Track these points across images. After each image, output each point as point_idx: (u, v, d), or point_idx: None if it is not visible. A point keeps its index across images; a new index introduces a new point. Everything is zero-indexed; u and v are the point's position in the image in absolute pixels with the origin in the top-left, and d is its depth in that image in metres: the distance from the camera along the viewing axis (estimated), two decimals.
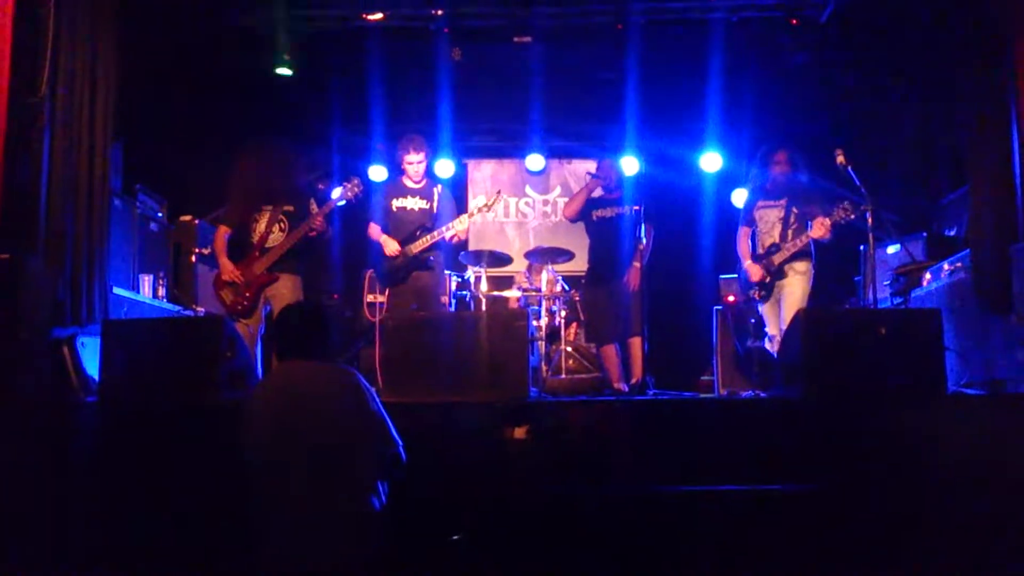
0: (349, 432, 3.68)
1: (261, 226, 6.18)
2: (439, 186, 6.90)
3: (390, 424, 3.82)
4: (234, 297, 6.04)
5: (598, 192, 7.26)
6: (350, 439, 3.67)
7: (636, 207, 6.70)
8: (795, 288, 6.29)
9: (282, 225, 6.19)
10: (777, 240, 6.39)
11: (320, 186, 8.03)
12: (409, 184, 6.79)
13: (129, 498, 4.47)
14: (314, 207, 6.25)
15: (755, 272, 6.41)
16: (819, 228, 6.14)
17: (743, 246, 6.64)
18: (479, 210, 6.90)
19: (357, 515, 3.62)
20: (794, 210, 6.39)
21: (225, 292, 6.08)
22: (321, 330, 3.93)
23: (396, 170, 7.02)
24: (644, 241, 6.62)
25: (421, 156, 6.73)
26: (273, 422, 3.68)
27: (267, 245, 6.14)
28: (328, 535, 3.54)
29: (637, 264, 6.79)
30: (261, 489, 3.66)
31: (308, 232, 6.14)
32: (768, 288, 6.38)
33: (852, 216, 6.04)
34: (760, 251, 6.49)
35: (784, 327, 6.06)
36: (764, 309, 6.49)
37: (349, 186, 6.40)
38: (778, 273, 6.34)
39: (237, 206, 6.32)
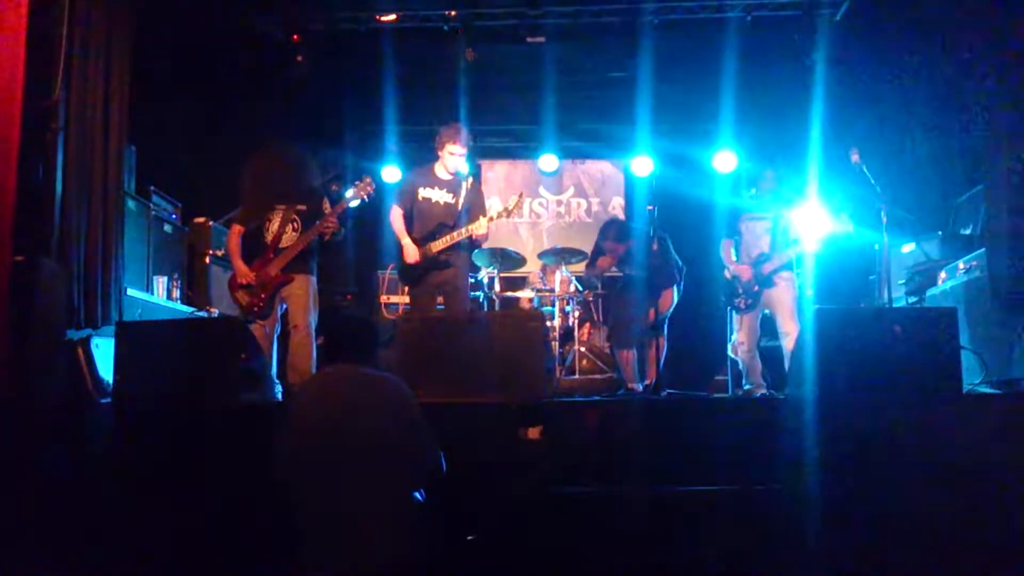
0: (392, 441, 3.65)
1: (274, 226, 6.14)
2: (469, 179, 6.63)
3: (432, 436, 3.82)
4: (250, 299, 6.03)
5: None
6: (392, 448, 3.65)
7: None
8: (784, 294, 6.45)
9: (295, 225, 6.15)
10: (766, 250, 6.52)
11: (334, 187, 8.00)
12: (440, 174, 6.59)
13: (143, 500, 4.46)
14: (327, 206, 6.21)
15: (746, 272, 6.52)
16: (814, 232, 6.47)
17: (728, 255, 6.73)
18: (499, 215, 6.74)
19: (396, 520, 3.61)
20: (780, 222, 6.56)
21: (240, 294, 6.07)
22: (371, 338, 3.97)
23: (431, 157, 6.76)
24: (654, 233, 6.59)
25: (466, 150, 6.55)
26: (315, 425, 3.67)
27: (281, 245, 6.10)
28: (368, 540, 3.53)
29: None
30: (297, 492, 3.64)
31: (322, 233, 6.13)
32: (755, 297, 6.50)
33: (849, 227, 6.32)
34: (747, 259, 6.62)
35: (782, 329, 6.42)
36: (740, 316, 6.59)
37: (361, 185, 6.33)
38: (766, 282, 6.47)
39: (250, 206, 6.30)
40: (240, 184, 6.32)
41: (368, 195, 6.34)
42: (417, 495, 3.72)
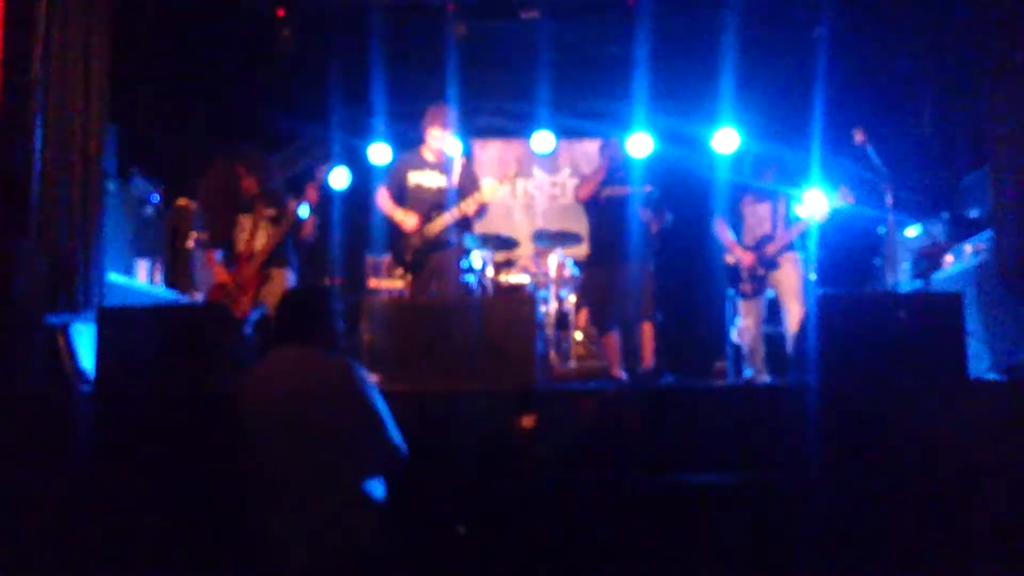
0: (342, 425, 3.52)
1: (245, 234, 6.34)
2: (462, 159, 6.59)
3: (388, 418, 3.64)
4: (232, 304, 6.14)
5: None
6: (343, 432, 3.52)
7: (647, 187, 6.59)
8: (790, 274, 6.40)
9: (268, 230, 6.33)
10: (769, 231, 6.50)
11: (322, 167, 7.89)
12: (428, 157, 6.51)
13: (126, 489, 4.38)
14: (292, 205, 6.33)
15: (749, 258, 6.47)
16: (817, 208, 6.31)
17: (725, 235, 6.67)
18: (501, 182, 6.67)
19: (353, 509, 3.50)
20: (782, 203, 6.54)
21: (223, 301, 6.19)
22: (320, 315, 3.77)
23: (417, 140, 6.70)
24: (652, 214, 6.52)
25: (448, 133, 6.48)
26: (264, 410, 3.55)
27: (255, 249, 6.28)
28: (325, 530, 3.44)
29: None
30: (257, 482, 3.55)
31: (292, 233, 6.34)
32: (760, 281, 6.46)
33: (850, 199, 6.25)
34: (750, 242, 6.56)
35: (785, 315, 6.38)
36: (744, 302, 6.56)
37: (305, 193, 6.40)
38: (771, 264, 6.43)
39: (215, 227, 6.58)
40: (200, 208, 6.44)
41: (312, 201, 6.40)
42: (373, 492, 3.57)
